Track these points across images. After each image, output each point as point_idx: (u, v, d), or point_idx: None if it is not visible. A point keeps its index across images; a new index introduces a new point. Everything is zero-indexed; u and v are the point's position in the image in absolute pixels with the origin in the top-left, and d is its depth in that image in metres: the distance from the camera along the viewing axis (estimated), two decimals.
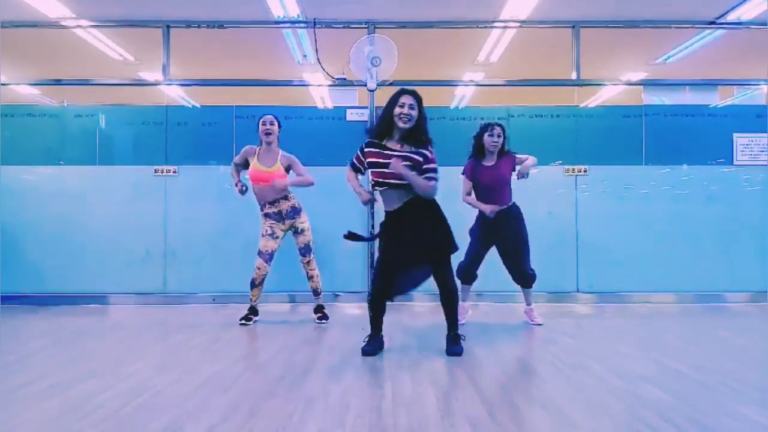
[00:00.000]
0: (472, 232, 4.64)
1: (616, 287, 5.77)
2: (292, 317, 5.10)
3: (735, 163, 5.91)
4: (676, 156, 5.92)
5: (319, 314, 4.79)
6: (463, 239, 4.45)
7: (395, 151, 3.56)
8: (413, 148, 3.58)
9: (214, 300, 5.66)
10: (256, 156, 4.63)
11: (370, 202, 3.76)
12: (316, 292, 4.81)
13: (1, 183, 5.70)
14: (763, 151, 5.89)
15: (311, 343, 4.06)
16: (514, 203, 4.61)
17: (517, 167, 4.57)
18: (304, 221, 4.70)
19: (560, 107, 6.09)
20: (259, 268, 4.60)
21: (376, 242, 3.82)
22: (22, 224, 5.77)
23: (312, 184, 4.67)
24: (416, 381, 3.08)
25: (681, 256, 5.79)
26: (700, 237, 5.82)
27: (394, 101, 3.58)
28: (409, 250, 3.56)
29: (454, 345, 3.71)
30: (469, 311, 4.81)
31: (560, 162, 5.90)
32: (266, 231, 4.63)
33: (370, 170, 3.66)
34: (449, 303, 3.73)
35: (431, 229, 3.60)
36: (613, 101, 8.14)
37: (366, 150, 3.66)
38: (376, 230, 3.92)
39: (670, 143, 5.93)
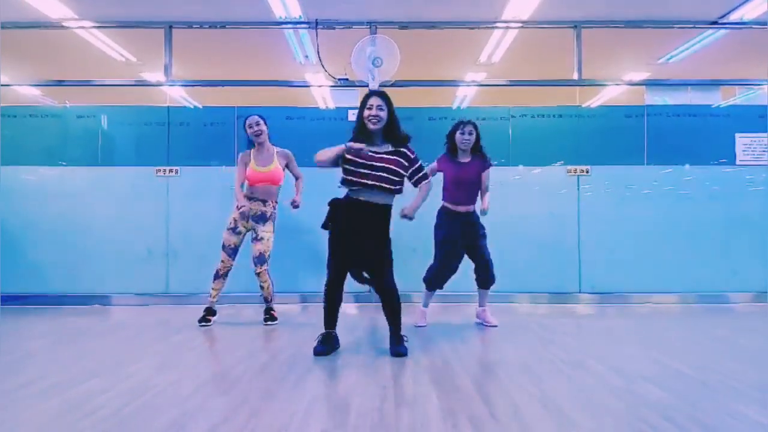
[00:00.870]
0: (439, 239, 4.51)
1: (618, 287, 5.76)
2: (291, 318, 5.10)
3: (737, 163, 5.90)
4: (678, 156, 5.92)
5: (267, 316, 4.74)
6: (428, 233, 4.45)
7: (376, 153, 3.55)
8: (392, 148, 3.61)
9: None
10: (252, 158, 4.63)
11: (359, 149, 3.51)
12: (266, 300, 4.77)
13: (3, 183, 5.71)
14: (765, 152, 5.88)
15: (311, 342, 4.05)
16: (475, 209, 4.55)
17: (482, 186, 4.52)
18: (267, 230, 4.64)
19: (562, 107, 6.09)
20: (223, 261, 4.63)
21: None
22: (24, 224, 5.78)
23: (303, 182, 4.82)
24: (418, 381, 3.08)
25: (683, 256, 5.78)
26: (702, 237, 5.81)
27: (362, 105, 3.62)
28: (359, 246, 3.58)
29: (397, 345, 3.63)
30: (426, 316, 4.66)
31: (562, 162, 5.90)
32: (230, 224, 4.63)
33: (344, 168, 3.59)
34: (391, 306, 3.65)
35: (374, 239, 3.60)
36: (615, 101, 8.14)
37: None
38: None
39: (672, 143, 5.92)
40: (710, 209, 5.83)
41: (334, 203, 3.67)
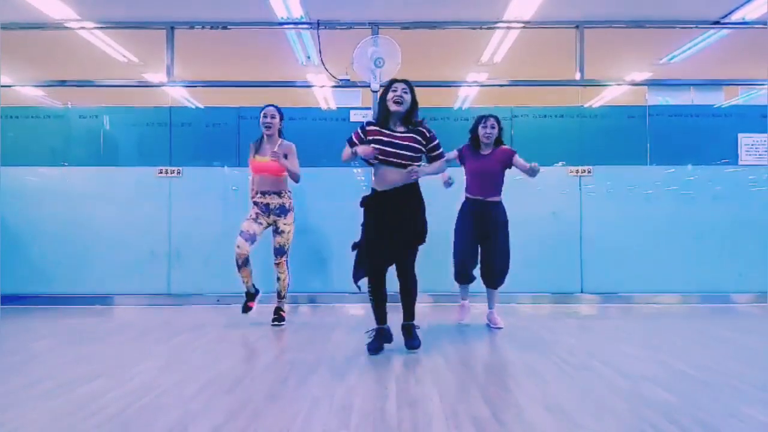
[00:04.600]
0: (457, 230, 4.60)
1: (620, 288, 5.76)
2: (296, 318, 5.10)
3: (740, 163, 5.89)
4: (680, 156, 5.91)
5: (275, 316, 4.74)
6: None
7: (395, 132, 3.73)
8: (409, 128, 3.77)
9: (218, 301, 5.66)
10: (257, 148, 4.67)
11: (370, 154, 3.68)
12: (279, 295, 4.77)
13: (5, 184, 5.73)
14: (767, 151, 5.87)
15: (315, 343, 4.06)
16: (500, 203, 4.58)
17: (520, 166, 4.49)
18: (288, 223, 4.65)
19: (564, 107, 6.09)
20: (238, 246, 4.52)
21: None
22: (26, 225, 5.79)
23: (297, 178, 4.65)
24: (420, 381, 3.08)
25: (686, 256, 5.77)
26: (705, 237, 5.80)
27: (387, 89, 3.79)
28: (389, 232, 3.69)
29: (411, 339, 3.79)
30: (470, 310, 4.75)
31: (564, 162, 5.89)
32: (250, 215, 4.63)
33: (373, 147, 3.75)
34: (409, 294, 3.81)
35: (412, 217, 3.74)
36: (617, 101, 8.15)
37: (368, 128, 3.80)
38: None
39: (675, 143, 5.91)
40: (713, 209, 5.82)
41: (363, 201, 3.81)
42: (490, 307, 4.69)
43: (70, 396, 2.79)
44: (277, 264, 4.67)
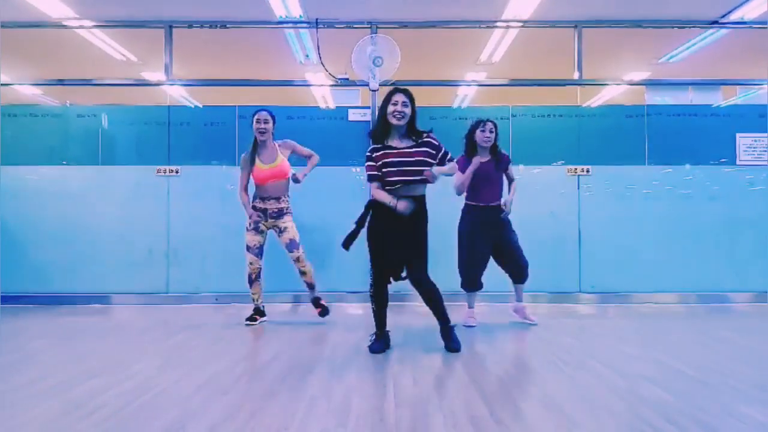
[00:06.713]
0: (462, 236, 4.57)
1: (618, 287, 5.76)
2: (294, 317, 5.10)
3: (738, 163, 5.90)
4: (678, 156, 5.91)
5: (319, 308, 4.76)
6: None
7: (400, 149, 3.65)
8: (415, 141, 3.70)
9: (216, 300, 5.66)
10: (256, 157, 4.63)
11: (405, 206, 3.59)
12: (310, 286, 4.76)
13: (3, 183, 5.72)
14: (765, 151, 5.87)
15: (313, 342, 4.06)
16: (498, 205, 4.58)
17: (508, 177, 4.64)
18: (287, 221, 4.65)
19: (562, 107, 6.08)
20: (251, 263, 4.62)
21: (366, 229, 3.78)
22: (24, 224, 5.78)
23: (317, 159, 4.80)
24: (418, 381, 3.08)
25: (684, 256, 5.77)
26: (703, 237, 5.80)
27: (387, 100, 3.69)
28: (397, 242, 3.66)
29: (451, 341, 3.74)
30: (474, 315, 4.70)
31: (562, 162, 5.89)
32: (250, 225, 4.63)
33: (383, 170, 3.64)
34: (432, 300, 3.76)
35: (417, 230, 3.69)
36: (615, 101, 8.13)
37: (375, 154, 3.68)
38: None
39: (673, 143, 5.92)
40: (711, 209, 5.82)
41: (371, 204, 3.73)
42: (519, 300, 4.73)
43: (68, 395, 2.79)
44: (296, 258, 4.64)
